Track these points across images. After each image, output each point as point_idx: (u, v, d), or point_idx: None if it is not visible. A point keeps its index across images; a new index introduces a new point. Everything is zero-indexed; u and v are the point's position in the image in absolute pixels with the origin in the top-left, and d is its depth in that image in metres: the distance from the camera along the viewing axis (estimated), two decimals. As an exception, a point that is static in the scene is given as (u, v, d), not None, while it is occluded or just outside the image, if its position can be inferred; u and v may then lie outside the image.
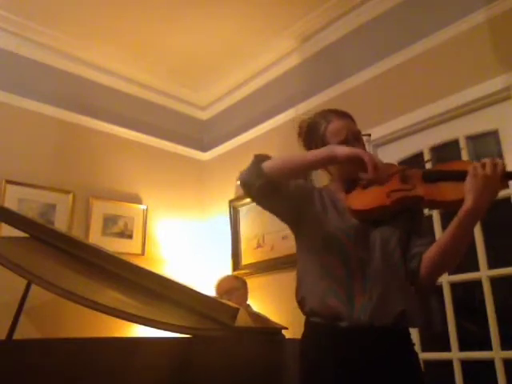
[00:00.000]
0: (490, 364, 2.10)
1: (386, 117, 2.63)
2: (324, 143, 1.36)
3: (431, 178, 1.27)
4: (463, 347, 2.22)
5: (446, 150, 2.48)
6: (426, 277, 1.26)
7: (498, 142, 2.25)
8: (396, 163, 2.60)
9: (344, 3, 2.90)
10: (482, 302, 2.17)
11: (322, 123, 1.39)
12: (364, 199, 1.29)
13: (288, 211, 1.38)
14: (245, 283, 2.88)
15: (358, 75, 2.87)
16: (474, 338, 2.27)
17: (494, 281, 2.17)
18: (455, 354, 2.22)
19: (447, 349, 2.23)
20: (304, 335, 1.33)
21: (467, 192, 1.14)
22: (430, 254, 1.25)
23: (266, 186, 1.26)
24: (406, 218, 1.31)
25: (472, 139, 2.37)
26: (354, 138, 1.36)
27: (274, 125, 3.41)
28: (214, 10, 3.00)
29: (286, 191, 1.33)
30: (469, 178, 1.14)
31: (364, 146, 1.38)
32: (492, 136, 2.29)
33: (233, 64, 3.52)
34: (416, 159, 2.54)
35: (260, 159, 1.28)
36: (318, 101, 3.10)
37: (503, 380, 2.05)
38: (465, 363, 2.21)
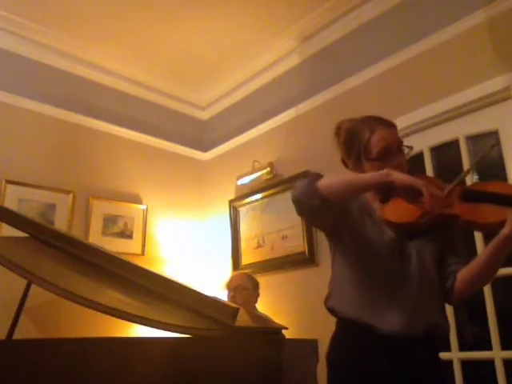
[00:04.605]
0: (490, 364, 2.10)
1: (385, 117, 2.61)
2: (366, 152, 1.35)
3: (471, 197, 1.24)
4: (463, 347, 2.22)
5: (446, 150, 2.48)
6: (459, 296, 1.29)
7: (498, 142, 2.25)
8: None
9: (344, 3, 2.90)
10: (482, 302, 2.17)
11: (365, 131, 1.36)
12: (400, 212, 1.27)
13: (330, 225, 1.39)
14: (256, 284, 2.83)
15: (358, 75, 2.87)
16: (475, 338, 2.27)
17: (494, 281, 2.16)
18: (455, 354, 2.22)
19: (447, 349, 2.24)
20: (336, 334, 1.36)
21: (510, 217, 1.13)
22: (464, 274, 1.27)
23: (321, 206, 1.25)
24: (443, 231, 1.32)
25: (472, 139, 2.37)
26: (397, 148, 1.35)
27: (274, 125, 3.41)
28: (214, 10, 3.00)
29: (333, 208, 1.31)
30: None
31: (405, 157, 1.37)
32: (492, 136, 2.29)
33: (233, 64, 3.52)
34: (417, 159, 2.54)
35: (314, 178, 1.27)
36: (318, 101, 3.10)
37: (503, 380, 2.05)
38: (465, 363, 2.21)
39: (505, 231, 1.14)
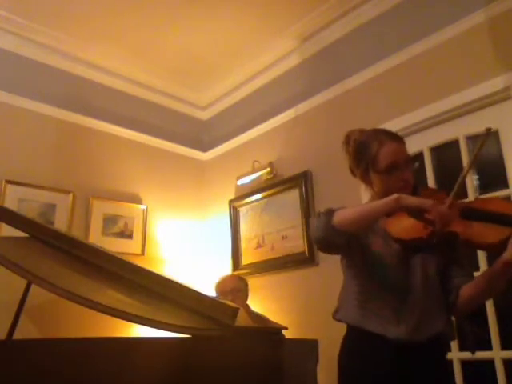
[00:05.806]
0: (490, 364, 2.10)
1: (385, 117, 2.63)
2: (374, 164, 1.38)
3: (471, 215, 1.24)
4: (463, 347, 2.22)
5: (446, 150, 2.48)
6: (461, 310, 1.33)
7: (498, 142, 2.25)
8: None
9: (344, 3, 2.90)
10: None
11: (374, 144, 1.39)
12: (402, 227, 1.28)
13: (346, 248, 1.40)
14: (247, 284, 2.85)
15: (358, 75, 2.87)
16: (475, 337, 2.27)
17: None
18: (456, 354, 2.22)
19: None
20: (345, 338, 1.41)
21: (510, 243, 1.13)
22: (466, 291, 1.30)
23: (346, 241, 1.28)
24: (446, 243, 1.33)
25: (472, 139, 2.37)
26: (405, 162, 1.37)
27: (274, 125, 3.41)
28: (214, 10, 3.00)
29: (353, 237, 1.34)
30: None
31: (411, 171, 1.39)
32: (492, 136, 2.29)
33: (233, 64, 3.52)
34: (417, 159, 2.53)
35: (329, 215, 1.28)
36: (318, 101, 3.10)
37: (503, 380, 2.05)
38: (465, 363, 2.21)
39: (506, 256, 1.14)
